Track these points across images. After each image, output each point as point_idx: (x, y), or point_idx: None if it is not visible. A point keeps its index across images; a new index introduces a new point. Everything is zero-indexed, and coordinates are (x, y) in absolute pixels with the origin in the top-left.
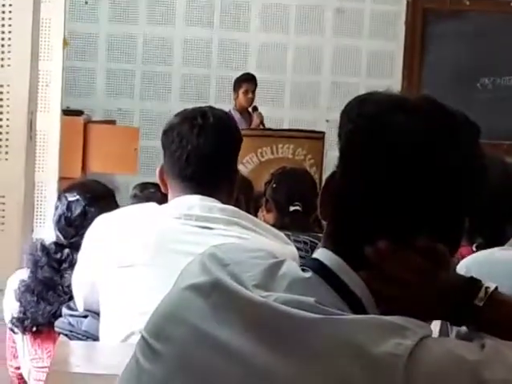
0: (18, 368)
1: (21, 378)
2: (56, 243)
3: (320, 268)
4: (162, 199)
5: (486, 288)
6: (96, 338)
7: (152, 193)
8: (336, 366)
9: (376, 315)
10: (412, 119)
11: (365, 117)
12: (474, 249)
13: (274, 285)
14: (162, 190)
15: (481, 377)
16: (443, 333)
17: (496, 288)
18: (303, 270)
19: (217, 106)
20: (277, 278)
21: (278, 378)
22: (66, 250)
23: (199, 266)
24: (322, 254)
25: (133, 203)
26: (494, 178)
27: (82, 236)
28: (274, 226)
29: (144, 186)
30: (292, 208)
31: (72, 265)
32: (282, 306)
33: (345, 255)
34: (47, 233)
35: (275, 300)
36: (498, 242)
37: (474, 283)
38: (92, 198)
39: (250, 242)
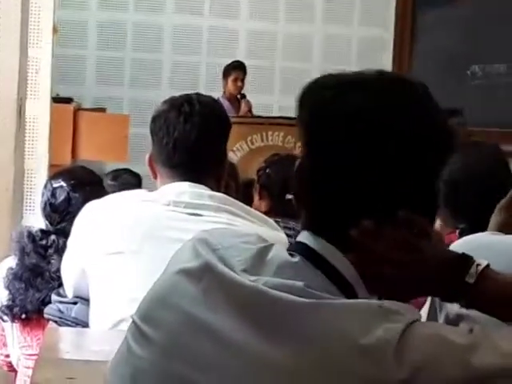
0: (8, 356)
1: (10, 365)
2: (42, 230)
3: (307, 251)
4: (135, 181)
5: (477, 265)
6: (85, 325)
7: (125, 178)
8: (326, 351)
9: (365, 299)
10: (367, 96)
11: (317, 106)
12: (457, 234)
13: (263, 269)
14: (152, 177)
15: (469, 361)
16: (431, 317)
17: (488, 265)
18: (290, 254)
19: (207, 93)
20: (265, 262)
21: (268, 362)
22: (52, 236)
23: (190, 251)
24: (306, 237)
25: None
26: (483, 163)
27: (67, 222)
28: (266, 213)
29: (116, 174)
30: (289, 196)
31: (58, 250)
32: (271, 291)
33: (329, 238)
34: (37, 220)
35: (264, 284)
36: (483, 227)
37: (465, 260)
38: (76, 184)
39: (239, 229)
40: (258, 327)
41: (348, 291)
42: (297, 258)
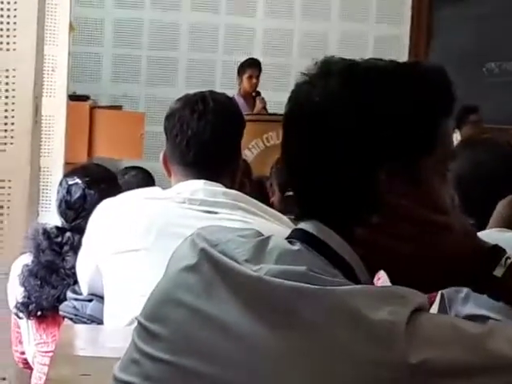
0: (23, 353)
1: (26, 362)
2: (57, 227)
3: (307, 237)
4: (143, 180)
5: (507, 258)
6: (101, 322)
7: (133, 176)
8: (334, 336)
9: (370, 285)
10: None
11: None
12: None
13: (264, 259)
14: (166, 175)
15: (482, 349)
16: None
17: None
18: (290, 242)
19: (222, 91)
20: (265, 252)
21: (274, 351)
22: (68, 234)
23: (190, 247)
24: (305, 223)
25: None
26: (492, 159)
27: (82, 219)
28: (278, 209)
29: (125, 172)
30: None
31: (73, 247)
32: (275, 279)
33: (328, 223)
34: (53, 217)
35: (267, 273)
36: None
37: (495, 252)
38: (91, 180)
39: (253, 226)
40: (264, 317)
41: (350, 274)
42: (297, 246)
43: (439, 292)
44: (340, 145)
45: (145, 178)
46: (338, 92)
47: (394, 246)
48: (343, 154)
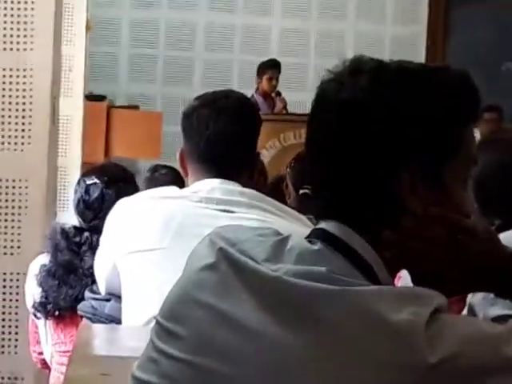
0: (41, 353)
1: (44, 362)
2: (75, 227)
3: (326, 236)
4: (173, 180)
5: None
6: (119, 322)
7: (162, 174)
8: (356, 338)
9: (390, 286)
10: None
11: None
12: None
13: (283, 259)
14: (182, 174)
15: (501, 350)
16: None
17: None
18: (310, 241)
19: (239, 90)
20: (285, 252)
21: (293, 352)
22: (86, 234)
23: (208, 247)
24: (325, 223)
25: (146, 186)
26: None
27: (100, 219)
28: (296, 209)
29: (154, 169)
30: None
31: (92, 247)
32: (294, 280)
33: (347, 222)
34: (70, 217)
35: (286, 273)
36: None
37: None
38: (110, 180)
39: (270, 225)
40: (283, 317)
41: (370, 275)
42: (317, 245)
43: (468, 303)
44: (370, 145)
45: (174, 179)
46: (369, 90)
47: (423, 249)
48: (373, 155)
